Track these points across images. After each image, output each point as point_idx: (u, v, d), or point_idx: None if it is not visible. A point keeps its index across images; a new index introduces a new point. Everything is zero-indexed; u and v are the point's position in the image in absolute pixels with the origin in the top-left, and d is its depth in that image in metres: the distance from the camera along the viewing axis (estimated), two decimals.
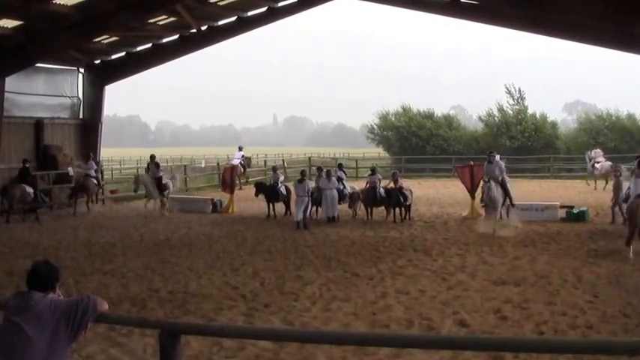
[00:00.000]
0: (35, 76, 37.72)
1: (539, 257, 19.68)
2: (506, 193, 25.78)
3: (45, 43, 33.63)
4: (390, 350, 11.01)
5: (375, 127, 71.46)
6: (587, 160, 43.48)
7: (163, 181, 32.97)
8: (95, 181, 35.69)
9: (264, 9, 37.21)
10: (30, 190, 31.08)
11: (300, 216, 27.25)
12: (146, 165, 36.00)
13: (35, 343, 6.21)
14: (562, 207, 28.53)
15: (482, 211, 28.29)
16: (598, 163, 41.84)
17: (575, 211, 27.71)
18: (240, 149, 46.88)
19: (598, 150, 44.11)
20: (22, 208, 31.67)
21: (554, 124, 65.31)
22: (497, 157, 27.67)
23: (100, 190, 37.11)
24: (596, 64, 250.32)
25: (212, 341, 11.70)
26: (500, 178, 25.93)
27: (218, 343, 11.72)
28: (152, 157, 35.03)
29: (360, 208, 29.81)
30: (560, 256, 19.73)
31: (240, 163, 44.53)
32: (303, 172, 29.65)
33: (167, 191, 33.20)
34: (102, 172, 38.15)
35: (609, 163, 41.02)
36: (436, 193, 39.77)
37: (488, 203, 25.31)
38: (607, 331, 12.36)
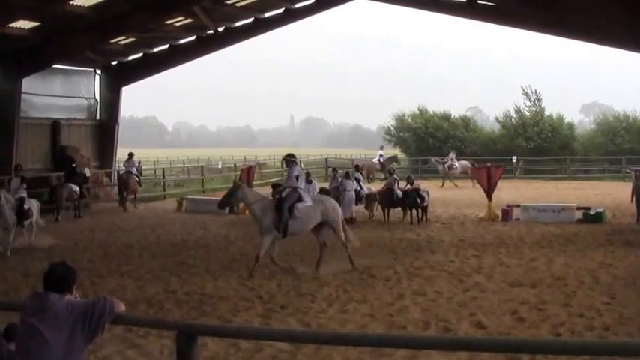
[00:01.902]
0: (52, 77, 37.98)
1: (555, 258, 19.62)
2: (280, 215, 18.77)
3: (61, 44, 33.83)
4: (406, 351, 11.01)
5: (392, 128, 71.30)
6: (436, 163, 46.41)
7: (25, 206, 23.97)
8: (136, 179, 36.32)
9: (281, 10, 37.32)
10: (76, 188, 31.99)
11: None
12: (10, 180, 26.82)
13: (52, 345, 6.22)
14: (579, 208, 28.43)
15: (499, 213, 28.34)
16: (454, 163, 45.61)
17: (592, 212, 27.59)
18: (382, 148, 46.77)
19: (452, 153, 48.22)
20: (68, 205, 32.90)
21: (571, 126, 64.99)
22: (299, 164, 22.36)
23: (140, 188, 37.62)
24: (612, 65, 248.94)
25: (229, 342, 11.72)
26: (294, 187, 19.36)
27: (235, 344, 11.75)
28: (17, 167, 27.81)
29: (377, 210, 29.82)
30: (577, 258, 19.67)
31: (379, 161, 44.53)
32: (308, 174, 29.94)
33: (29, 220, 24.08)
34: (141, 172, 38.68)
35: (466, 162, 46.18)
36: (453, 195, 39.66)
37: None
38: (624, 333, 12.32)
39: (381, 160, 45.22)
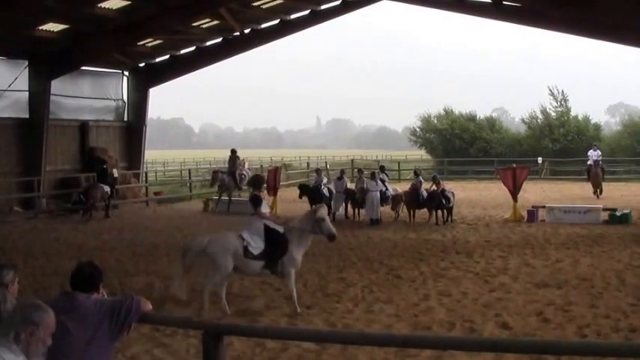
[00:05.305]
0: (81, 79, 38.26)
1: (581, 260, 19.57)
2: None
3: (90, 47, 34.07)
4: (431, 352, 11.03)
5: (418, 129, 71.32)
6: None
7: None
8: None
9: (306, 12, 37.35)
10: (107, 189, 32.32)
11: (340, 209, 30.04)
12: None
13: (79, 342, 6.30)
14: (605, 209, 28.32)
15: (524, 214, 28.28)
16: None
17: (618, 213, 27.48)
18: (594, 148, 40.74)
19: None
20: (99, 205, 33.17)
21: (597, 127, 64.73)
22: None
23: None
24: (638, 65, 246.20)
25: (255, 342, 11.79)
26: None
27: (261, 344, 11.81)
28: None
29: (403, 210, 29.86)
30: (603, 259, 19.62)
31: (595, 160, 38.92)
32: (342, 171, 32.62)
33: None
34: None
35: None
36: (478, 196, 39.62)
37: None
38: None
39: (596, 160, 39.30)
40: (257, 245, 14.45)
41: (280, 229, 14.92)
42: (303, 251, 15.02)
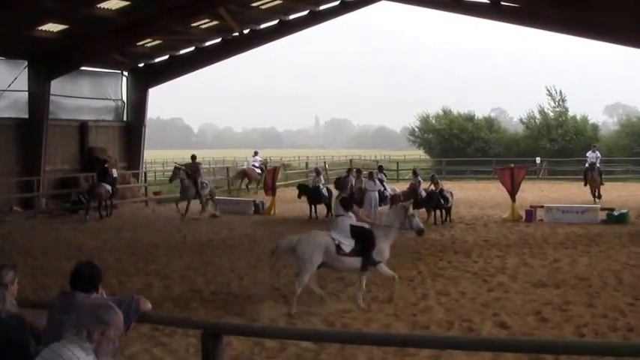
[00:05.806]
0: (80, 79, 38.29)
1: (579, 259, 19.61)
2: None
3: (89, 47, 34.14)
4: (430, 352, 11.05)
5: (416, 129, 71.34)
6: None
7: None
8: (259, 171, 44.16)
9: (305, 12, 37.37)
10: (109, 187, 32.33)
11: None
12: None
13: None
14: (602, 209, 28.36)
15: (522, 214, 28.33)
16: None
17: (615, 213, 27.52)
18: (593, 150, 38.57)
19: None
20: (103, 204, 32.99)
21: (595, 127, 64.79)
22: None
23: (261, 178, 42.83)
24: (635, 66, 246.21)
25: (254, 341, 11.81)
26: None
27: (260, 343, 11.83)
28: None
29: None
30: (601, 259, 19.66)
31: (592, 163, 37.72)
32: (348, 170, 32.98)
33: None
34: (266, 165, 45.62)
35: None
36: (477, 195, 39.65)
37: None
38: None
39: (592, 163, 37.00)
40: (348, 243, 14.92)
41: (366, 225, 15.50)
42: (390, 245, 15.69)
